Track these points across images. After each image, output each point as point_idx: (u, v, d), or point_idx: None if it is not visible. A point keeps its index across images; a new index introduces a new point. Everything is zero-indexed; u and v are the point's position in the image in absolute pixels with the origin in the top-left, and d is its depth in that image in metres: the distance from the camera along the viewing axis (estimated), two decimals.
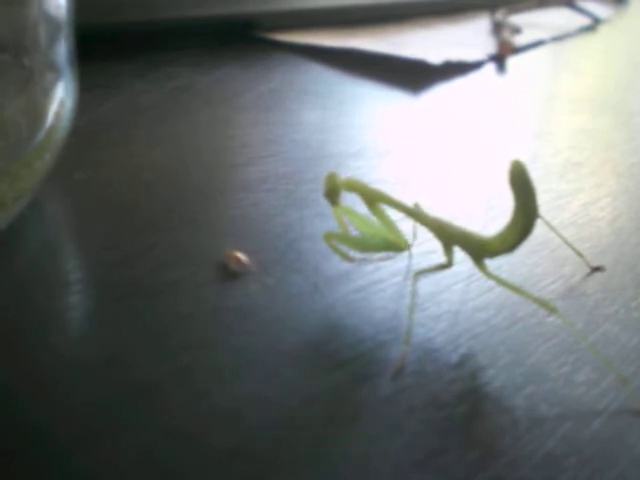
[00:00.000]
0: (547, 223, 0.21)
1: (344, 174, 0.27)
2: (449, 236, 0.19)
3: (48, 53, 0.21)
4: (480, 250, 0.18)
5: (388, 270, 0.20)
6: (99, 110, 0.33)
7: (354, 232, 0.20)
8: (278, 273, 0.20)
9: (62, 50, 0.21)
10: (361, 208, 0.20)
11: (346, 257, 0.20)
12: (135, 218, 0.23)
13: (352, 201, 0.20)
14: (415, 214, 0.19)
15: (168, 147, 0.29)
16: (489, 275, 0.18)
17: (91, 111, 0.32)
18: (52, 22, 0.21)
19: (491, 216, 0.24)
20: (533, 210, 0.16)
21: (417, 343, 0.17)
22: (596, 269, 0.21)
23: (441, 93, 0.41)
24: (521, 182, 0.16)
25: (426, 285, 0.20)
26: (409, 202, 0.20)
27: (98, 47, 0.39)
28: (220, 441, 0.14)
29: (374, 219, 0.19)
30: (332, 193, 0.19)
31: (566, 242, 0.21)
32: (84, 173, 0.25)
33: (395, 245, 0.19)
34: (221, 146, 0.30)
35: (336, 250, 0.19)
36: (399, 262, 0.21)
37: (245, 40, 0.46)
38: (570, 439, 0.15)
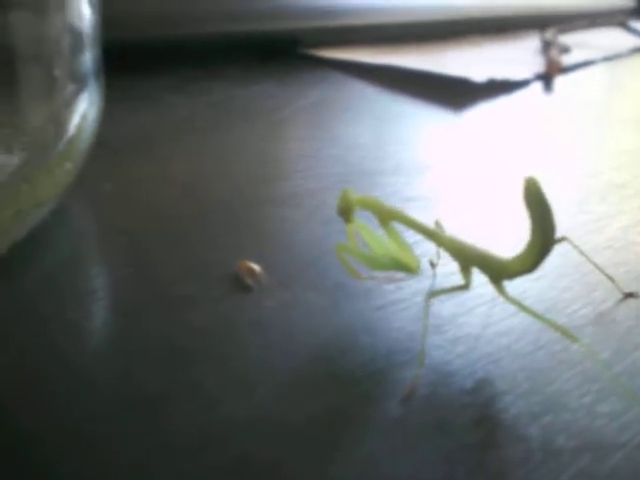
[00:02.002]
0: (575, 246, 0.20)
1: (377, 191, 0.27)
2: (466, 257, 0.18)
3: (71, 64, 0.21)
4: (499, 272, 0.17)
5: (410, 290, 0.20)
6: (133, 122, 0.33)
7: (366, 250, 0.19)
8: (297, 288, 0.20)
9: (86, 61, 0.22)
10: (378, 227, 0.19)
11: (354, 273, 0.19)
12: (159, 230, 0.23)
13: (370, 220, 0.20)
14: (431, 234, 0.19)
15: (200, 160, 0.29)
16: (508, 298, 0.17)
17: (125, 123, 0.32)
18: (75, 33, 0.21)
19: (524, 237, 0.24)
20: (550, 229, 0.16)
21: (432, 366, 0.17)
22: (629, 295, 0.20)
23: (484, 111, 0.40)
24: (536, 200, 0.15)
25: (447, 307, 0.19)
26: (430, 221, 0.19)
27: (136, 61, 0.40)
28: (219, 456, 0.14)
29: (388, 238, 0.19)
30: (345, 210, 0.19)
31: (596, 266, 0.21)
32: (110, 184, 0.25)
33: (406, 266, 0.18)
34: (254, 160, 0.30)
35: (345, 264, 0.19)
36: (422, 282, 0.20)
37: (286, 56, 0.46)
38: (587, 473, 0.14)
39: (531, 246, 0.16)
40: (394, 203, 0.26)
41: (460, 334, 0.18)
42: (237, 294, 0.19)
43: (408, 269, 0.18)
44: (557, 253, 0.22)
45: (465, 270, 0.18)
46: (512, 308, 0.19)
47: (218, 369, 0.16)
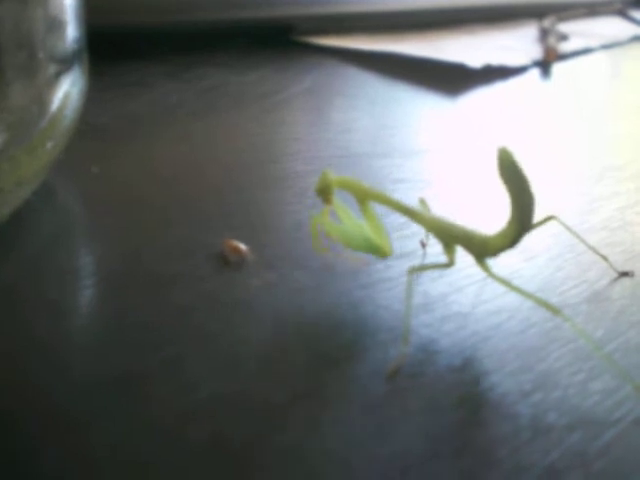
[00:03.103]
0: (565, 226, 0.19)
1: (368, 173, 0.27)
2: (448, 235, 0.17)
3: (54, 46, 0.21)
4: (482, 249, 0.17)
5: (397, 269, 0.19)
6: (128, 107, 0.32)
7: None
8: (283, 268, 0.19)
9: (69, 43, 0.21)
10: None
11: (319, 247, 0.18)
12: (148, 212, 0.22)
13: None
14: (412, 213, 0.18)
15: (192, 144, 0.29)
16: (493, 276, 0.17)
17: (120, 107, 0.32)
18: (58, 17, 0.21)
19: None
20: (527, 201, 0.15)
21: (420, 344, 0.16)
22: (624, 274, 0.20)
23: (480, 97, 0.39)
24: (511, 171, 0.15)
25: (437, 286, 0.19)
26: (414, 201, 0.19)
27: (129, 47, 0.40)
28: (200, 433, 0.13)
29: (364, 220, 0.18)
30: (324, 190, 0.18)
31: (587, 245, 0.20)
32: (97, 167, 0.25)
33: (378, 249, 0.18)
34: (245, 144, 0.29)
35: (315, 237, 0.18)
36: (411, 261, 0.20)
37: (282, 43, 0.46)
38: (577, 451, 0.13)
39: (511, 220, 0.16)
40: (386, 185, 0.25)
41: (449, 313, 0.18)
42: (223, 274, 0.19)
43: (380, 252, 0.18)
44: (550, 233, 0.21)
45: (448, 248, 0.18)
46: (503, 287, 0.19)
47: (202, 347, 0.16)
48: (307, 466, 0.13)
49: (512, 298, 0.18)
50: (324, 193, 0.18)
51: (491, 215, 0.23)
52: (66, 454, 0.13)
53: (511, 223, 0.16)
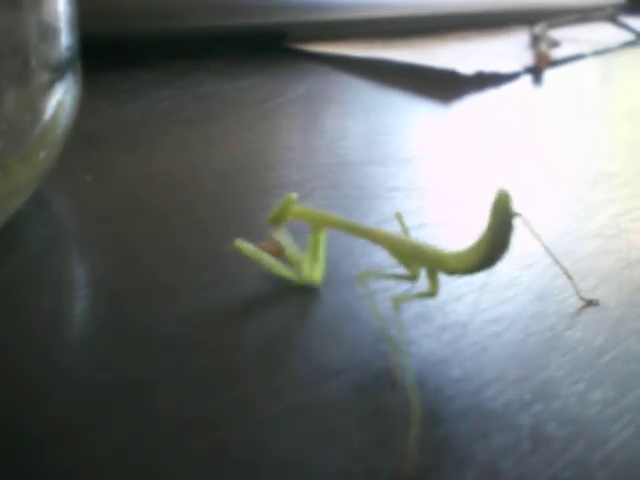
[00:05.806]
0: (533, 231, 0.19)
1: (362, 180, 0.26)
2: (405, 253, 0.17)
3: (47, 54, 0.20)
4: (435, 266, 0.16)
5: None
6: (122, 115, 0.32)
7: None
8: (279, 279, 0.19)
9: (62, 51, 0.21)
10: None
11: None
12: (143, 219, 0.22)
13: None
14: (371, 235, 0.18)
15: (187, 151, 0.29)
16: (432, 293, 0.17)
17: (114, 115, 0.32)
18: (51, 25, 0.20)
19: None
20: (501, 246, 0.14)
21: (420, 354, 0.16)
22: (589, 303, 0.19)
23: (473, 104, 0.40)
24: (503, 215, 0.14)
25: None
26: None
27: (126, 55, 0.39)
28: (201, 444, 0.13)
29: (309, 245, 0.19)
30: (280, 218, 0.19)
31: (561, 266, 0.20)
32: (92, 175, 0.25)
33: (292, 276, 0.19)
34: (240, 151, 0.29)
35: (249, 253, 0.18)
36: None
37: (275, 50, 0.46)
38: (580, 462, 0.13)
39: (476, 248, 0.15)
40: (381, 193, 0.25)
41: (447, 322, 0.18)
42: (220, 282, 0.19)
43: (296, 278, 0.19)
44: (547, 240, 0.21)
45: (408, 266, 0.17)
46: (503, 295, 0.19)
47: (200, 358, 0.16)
48: (307, 477, 0.13)
49: (511, 306, 0.18)
50: (278, 221, 0.19)
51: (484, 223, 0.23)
52: (66, 455, 0.13)
53: (476, 251, 0.15)
